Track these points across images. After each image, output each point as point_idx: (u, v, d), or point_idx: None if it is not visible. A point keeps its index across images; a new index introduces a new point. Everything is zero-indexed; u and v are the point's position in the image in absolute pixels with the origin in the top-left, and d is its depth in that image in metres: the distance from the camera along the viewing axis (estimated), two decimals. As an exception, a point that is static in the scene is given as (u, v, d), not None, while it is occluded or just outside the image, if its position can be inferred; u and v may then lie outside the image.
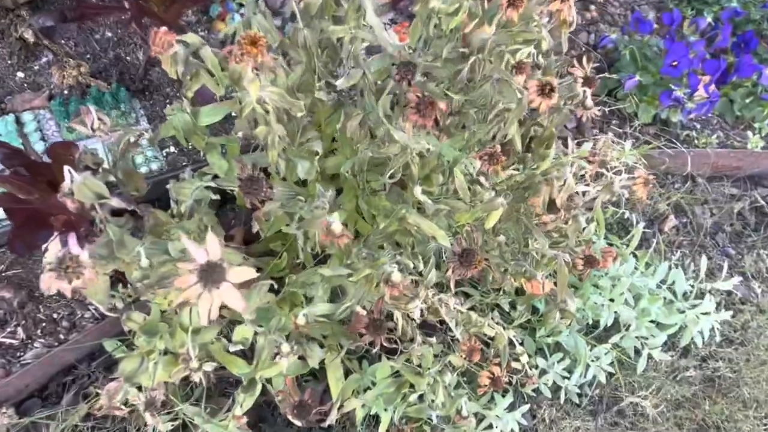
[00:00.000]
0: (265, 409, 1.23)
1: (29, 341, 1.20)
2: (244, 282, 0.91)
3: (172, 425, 1.13)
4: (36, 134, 1.30)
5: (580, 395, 1.34)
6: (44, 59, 1.37)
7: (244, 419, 0.99)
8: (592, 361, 1.32)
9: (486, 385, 1.08)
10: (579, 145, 1.45)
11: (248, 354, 1.04)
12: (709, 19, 1.59)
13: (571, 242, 1.02)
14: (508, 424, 1.22)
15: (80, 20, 1.41)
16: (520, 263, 0.96)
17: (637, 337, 1.36)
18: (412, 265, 0.90)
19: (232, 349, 0.98)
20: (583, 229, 1.43)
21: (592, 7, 1.86)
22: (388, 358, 1.09)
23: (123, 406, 0.99)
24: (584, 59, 1.01)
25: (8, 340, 1.21)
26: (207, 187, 0.98)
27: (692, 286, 1.42)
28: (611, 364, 1.34)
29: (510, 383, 1.25)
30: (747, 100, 1.69)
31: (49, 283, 0.70)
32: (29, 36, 1.25)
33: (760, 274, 1.60)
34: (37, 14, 1.36)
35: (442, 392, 1.06)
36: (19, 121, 1.34)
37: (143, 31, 1.27)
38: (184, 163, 1.36)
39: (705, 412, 1.40)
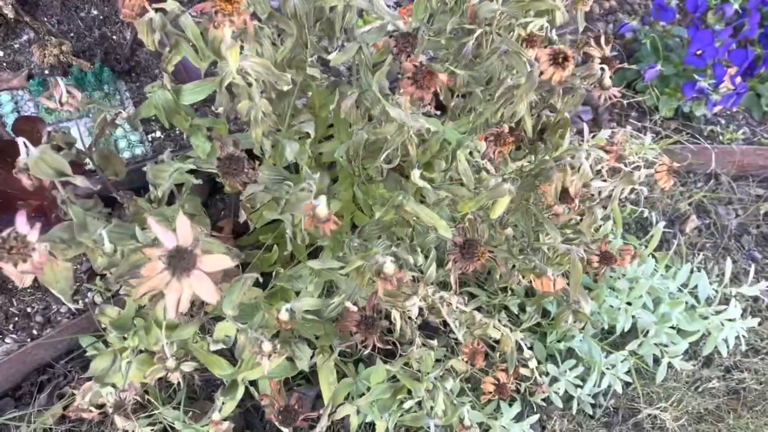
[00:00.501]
0: (253, 415, 1.15)
1: (0, 337, 1.13)
2: (225, 275, 0.84)
3: (152, 429, 1.06)
4: (13, 115, 1.23)
5: (593, 406, 1.25)
6: (25, 37, 1.30)
7: (225, 425, 0.91)
8: (608, 369, 1.24)
9: (490, 392, 1.00)
10: (595, 138, 1.37)
11: (234, 354, 0.96)
12: (736, 6, 1.49)
13: (585, 238, 0.93)
14: (515, 435, 1.14)
15: (64, -5, 1.34)
16: (529, 258, 0.87)
17: (656, 344, 1.27)
18: (411, 260, 0.82)
19: (213, 347, 0.91)
20: (599, 227, 1.34)
21: (611, -5, 1.77)
22: (386, 362, 1.01)
23: (93, 408, 0.91)
24: (602, 39, 0.93)
25: (-22, 336, 1.13)
26: (190, 172, 0.91)
27: (716, 291, 1.33)
28: (628, 372, 1.25)
29: (518, 391, 1.17)
30: (775, 95, 1.59)
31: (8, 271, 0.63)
32: (9, 12, 1.18)
33: (788, 280, 1.49)
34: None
35: (442, 399, 0.98)
36: (-5, 102, 1.27)
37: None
38: (171, 149, 1.28)
39: (729, 427, 1.31)
